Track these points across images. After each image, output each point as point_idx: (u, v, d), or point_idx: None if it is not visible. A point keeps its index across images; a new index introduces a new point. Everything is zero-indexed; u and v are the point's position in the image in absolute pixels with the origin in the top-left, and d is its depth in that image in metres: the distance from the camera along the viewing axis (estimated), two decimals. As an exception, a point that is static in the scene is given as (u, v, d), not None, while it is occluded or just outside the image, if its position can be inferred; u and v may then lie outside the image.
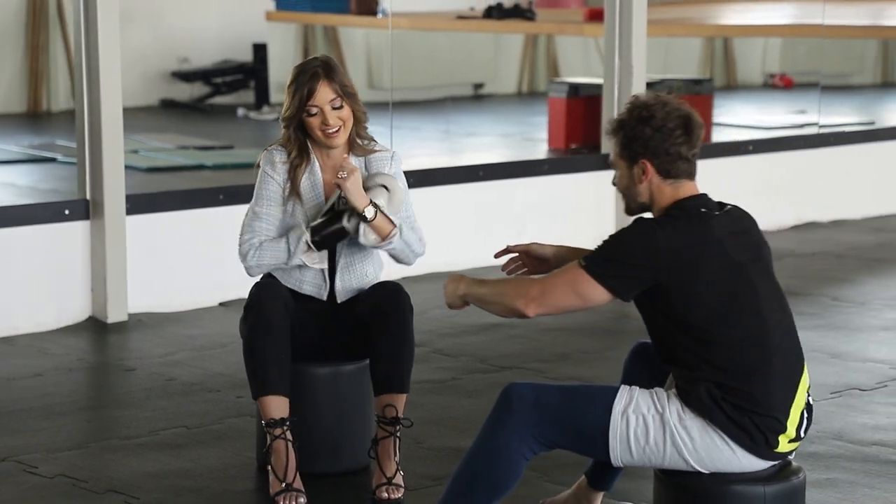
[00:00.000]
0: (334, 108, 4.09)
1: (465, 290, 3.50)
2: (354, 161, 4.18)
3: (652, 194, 3.44)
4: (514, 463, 3.42)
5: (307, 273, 4.17)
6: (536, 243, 3.78)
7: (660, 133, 3.40)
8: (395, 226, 4.08)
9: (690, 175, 3.45)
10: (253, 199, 4.20)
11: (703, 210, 3.42)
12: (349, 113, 4.12)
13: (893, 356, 5.55)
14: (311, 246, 4.09)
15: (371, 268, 4.24)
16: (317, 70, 4.08)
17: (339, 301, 4.19)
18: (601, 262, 3.36)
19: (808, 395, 3.45)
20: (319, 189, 4.16)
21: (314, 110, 4.08)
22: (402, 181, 4.22)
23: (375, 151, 4.21)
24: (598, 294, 3.37)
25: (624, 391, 3.43)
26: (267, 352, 4.01)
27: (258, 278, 4.24)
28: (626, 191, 3.48)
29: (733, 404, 3.33)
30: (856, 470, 4.30)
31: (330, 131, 4.10)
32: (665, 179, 3.43)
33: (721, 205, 3.49)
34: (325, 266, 4.16)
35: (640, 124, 3.40)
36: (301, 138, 4.14)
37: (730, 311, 3.34)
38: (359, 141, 4.19)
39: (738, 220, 3.47)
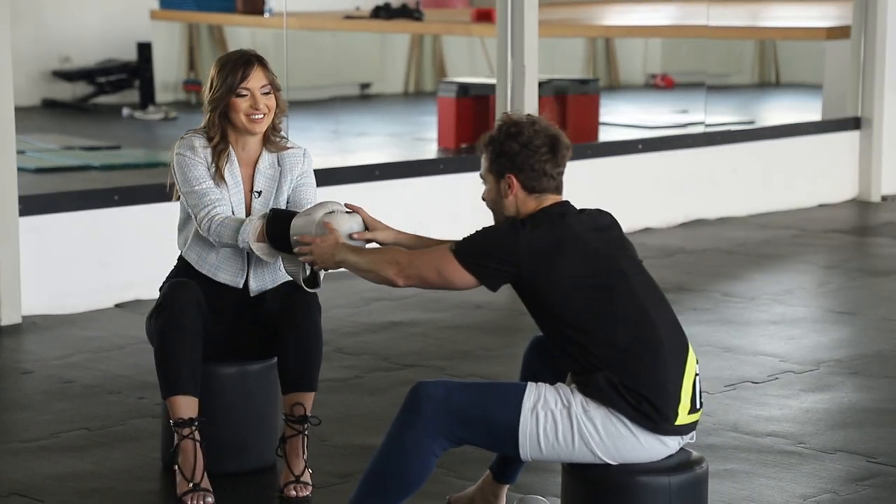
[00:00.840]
0: (264, 94, 4.11)
1: (342, 256, 3.71)
2: (267, 157, 4.18)
3: (517, 208, 3.57)
4: (424, 461, 3.46)
5: (224, 261, 4.15)
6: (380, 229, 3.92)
7: (526, 150, 3.53)
8: None
9: (557, 190, 3.59)
10: (182, 183, 4.10)
11: (562, 213, 3.55)
12: (274, 104, 4.14)
13: (783, 349, 5.69)
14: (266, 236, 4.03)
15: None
16: (251, 57, 4.12)
17: (252, 295, 4.19)
18: (468, 250, 3.51)
19: (696, 371, 3.53)
20: (239, 179, 4.16)
21: (245, 92, 4.09)
22: (312, 179, 4.24)
23: (288, 148, 4.22)
24: (462, 278, 3.52)
25: (532, 388, 3.49)
26: (179, 352, 3.99)
27: (178, 267, 4.22)
28: (494, 205, 3.61)
29: (629, 388, 3.42)
30: (752, 461, 4.41)
31: (256, 116, 4.10)
32: (530, 194, 3.56)
33: (582, 210, 3.62)
34: (250, 255, 4.13)
35: (508, 140, 3.54)
36: (223, 125, 4.13)
37: (607, 304, 3.45)
38: (272, 137, 4.20)
39: (598, 217, 3.61)
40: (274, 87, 4.13)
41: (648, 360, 3.44)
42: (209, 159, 4.12)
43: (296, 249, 3.90)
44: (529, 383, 3.51)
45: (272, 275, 4.21)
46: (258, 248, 4.03)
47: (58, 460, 4.36)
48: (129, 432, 4.63)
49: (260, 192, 4.16)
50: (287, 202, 4.19)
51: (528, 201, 3.56)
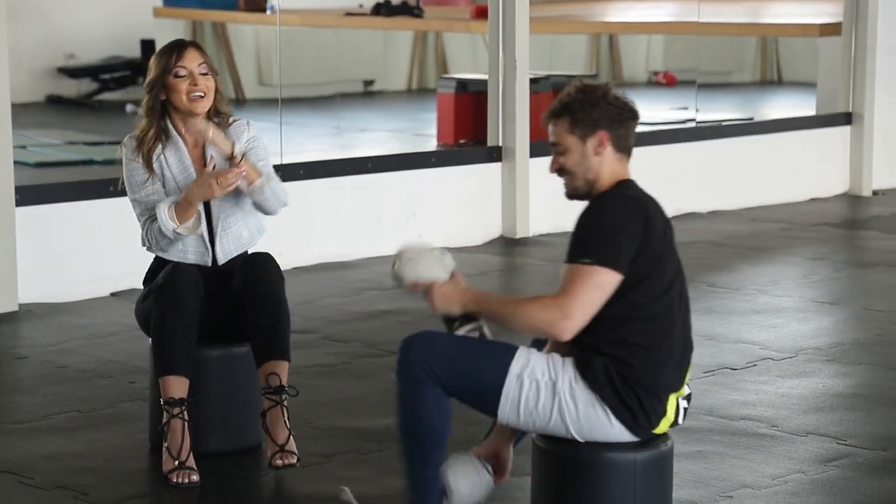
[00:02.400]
0: (202, 74, 4.24)
1: (475, 306, 3.51)
2: (212, 124, 4.29)
3: (599, 170, 3.51)
4: (436, 408, 3.51)
5: (188, 242, 4.27)
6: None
7: (618, 108, 3.52)
8: (259, 174, 4.23)
9: (631, 155, 3.57)
10: (127, 189, 4.32)
11: (640, 192, 3.53)
12: (213, 85, 4.27)
13: (763, 337, 5.80)
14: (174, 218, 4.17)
15: (246, 231, 4.35)
16: (185, 41, 4.30)
17: (219, 263, 4.29)
18: (607, 251, 3.40)
19: (688, 385, 3.62)
20: (187, 162, 4.29)
21: (183, 72, 4.22)
22: (261, 141, 4.37)
23: (230, 124, 4.36)
24: (614, 281, 3.42)
25: (521, 353, 3.54)
26: (176, 333, 4.11)
27: (157, 259, 4.36)
28: (577, 167, 3.52)
29: (625, 381, 3.47)
30: (725, 442, 4.52)
31: (196, 94, 4.23)
32: (617, 152, 3.52)
33: (641, 190, 3.58)
34: (205, 231, 4.26)
35: (597, 99, 3.50)
36: (162, 110, 4.25)
37: (662, 293, 3.50)
38: (216, 119, 4.31)
39: (661, 209, 3.58)
40: (211, 70, 4.27)
41: (656, 365, 3.49)
42: (142, 148, 4.25)
43: (408, 288, 3.68)
44: (521, 347, 3.56)
45: (237, 241, 4.32)
46: (183, 230, 4.19)
47: (49, 441, 4.48)
48: (118, 415, 4.75)
49: (215, 168, 4.27)
50: None
51: (614, 163, 3.51)
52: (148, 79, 4.27)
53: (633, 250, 3.44)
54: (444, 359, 3.51)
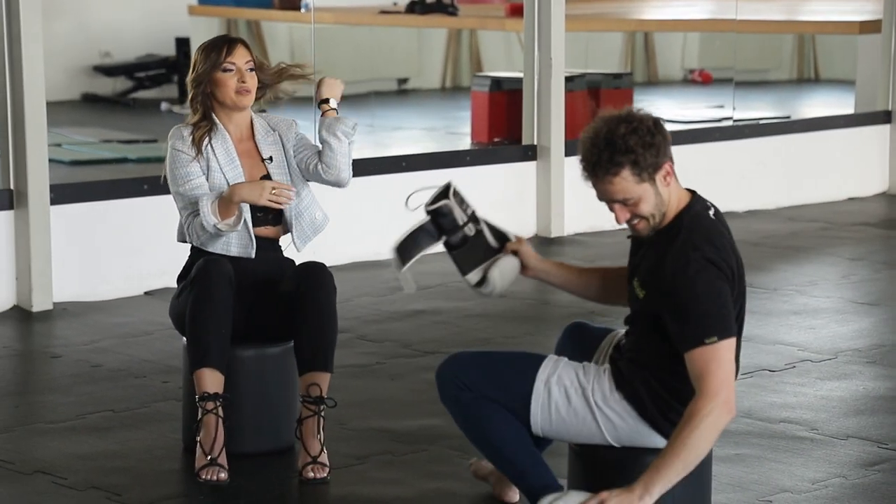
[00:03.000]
0: (249, 70, 4.28)
1: (659, 489, 3.28)
2: (259, 126, 4.36)
3: (670, 197, 3.36)
4: (497, 416, 3.47)
5: (232, 234, 4.26)
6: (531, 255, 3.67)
7: (661, 133, 3.32)
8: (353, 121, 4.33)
9: None
10: (171, 182, 4.31)
11: (710, 215, 3.39)
12: (256, 82, 4.32)
13: (802, 339, 5.73)
14: (216, 214, 4.17)
15: (319, 212, 4.40)
16: (232, 38, 4.34)
17: (298, 250, 4.33)
18: (721, 324, 3.29)
19: None
20: (233, 153, 4.30)
21: (231, 67, 4.25)
22: (308, 139, 4.42)
23: (277, 118, 4.44)
24: (734, 344, 3.34)
25: (549, 361, 3.52)
26: (209, 325, 4.11)
27: (192, 256, 4.35)
28: (655, 208, 3.35)
29: (667, 394, 3.43)
30: (763, 446, 4.46)
31: (244, 89, 4.25)
32: (673, 176, 3.37)
33: (705, 202, 3.46)
34: (249, 223, 4.25)
35: (645, 135, 3.28)
36: (208, 104, 4.29)
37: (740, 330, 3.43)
38: (260, 111, 4.42)
39: (723, 219, 3.48)
40: (258, 66, 4.31)
41: None
42: (191, 135, 4.28)
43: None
44: (549, 356, 3.54)
45: (311, 224, 4.36)
46: (224, 226, 4.18)
47: (82, 440, 4.47)
48: (152, 414, 4.73)
49: (272, 158, 4.32)
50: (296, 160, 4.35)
51: (675, 184, 3.37)
52: (194, 74, 4.29)
53: (732, 306, 3.36)
54: (473, 371, 3.50)
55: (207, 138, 4.27)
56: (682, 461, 3.26)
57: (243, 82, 4.26)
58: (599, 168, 3.31)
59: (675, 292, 3.32)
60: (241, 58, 4.28)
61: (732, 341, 3.34)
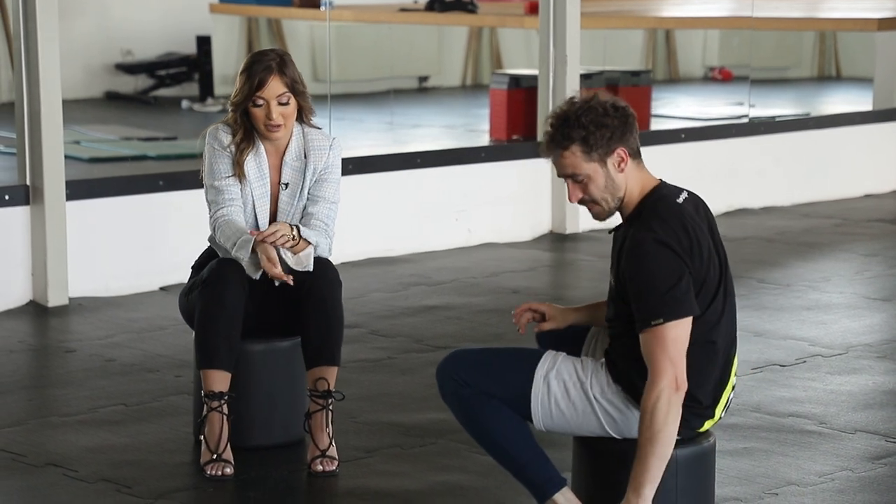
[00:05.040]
0: (280, 104, 4.21)
1: (649, 490, 3.32)
2: (295, 147, 4.30)
3: (627, 183, 3.43)
4: (497, 411, 3.49)
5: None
6: (552, 305, 3.75)
7: (618, 117, 3.39)
8: (310, 243, 4.22)
9: (641, 155, 3.49)
10: (207, 175, 4.30)
11: (677, 200, 3.43)
12: (294, 109, 4.25)
13: (813, 334, 5.73)
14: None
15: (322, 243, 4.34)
16: (271, 64, 4.21)
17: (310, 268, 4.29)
18: (670, 305, 3.31)
19: (734, 376, 3.57)
20: (266, 170, 4.30)
21: (260, 102, 4.21)
22: (336, 173, 4.36)
23: (316, 129, 4.37)
24: (687, 323, 3.33)
25: (548, 356, 3.54)
26: (219, 327, 4.14)
27: (210, 248, 4.39)
28: (605, 192, 3.43)
29: None
30: (771, 440, 4.47)
31: (272, 125, 4.23)
32: (634, 160, 3.44)
33: (678, 189, 3.51)
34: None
35: (600, 115, 3.37)
36: (247, 123, 4.27)
37: (715, 322, 3.41)
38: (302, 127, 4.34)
39: (700, 205, 3.49)
40: (295, 93, 4.23)
41: (697, 380, 3.41)
42: (234, 153, 4.27)
43: None
44: (547, 351, 3.56)
45: (307, 256, 4.28)
46: (246, 266, 4.19)
47: (94, 433, 4.51)
48: (164, 408, 4.77)
49: (287, 185, 4.30)
50: (308, 192, 4.32)
51: (635, 173, 3.43)
52: (233, 98, 4.24)
53: (691, 287, 3.35)
54: (472, 368, 3.52)
55: (248, 155, 4.26)
56: (656, 455, 3.31)
57: (270, 118, 4.20)
58: (553, 141, 3.45)
59: (629, 276, 3.39)
60: (273, 91, 4.19)
61: (683, 321, 3.32)
